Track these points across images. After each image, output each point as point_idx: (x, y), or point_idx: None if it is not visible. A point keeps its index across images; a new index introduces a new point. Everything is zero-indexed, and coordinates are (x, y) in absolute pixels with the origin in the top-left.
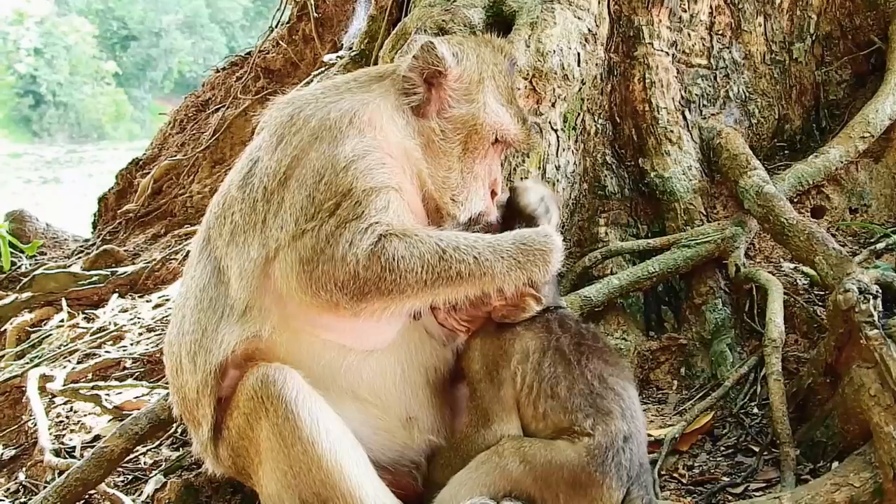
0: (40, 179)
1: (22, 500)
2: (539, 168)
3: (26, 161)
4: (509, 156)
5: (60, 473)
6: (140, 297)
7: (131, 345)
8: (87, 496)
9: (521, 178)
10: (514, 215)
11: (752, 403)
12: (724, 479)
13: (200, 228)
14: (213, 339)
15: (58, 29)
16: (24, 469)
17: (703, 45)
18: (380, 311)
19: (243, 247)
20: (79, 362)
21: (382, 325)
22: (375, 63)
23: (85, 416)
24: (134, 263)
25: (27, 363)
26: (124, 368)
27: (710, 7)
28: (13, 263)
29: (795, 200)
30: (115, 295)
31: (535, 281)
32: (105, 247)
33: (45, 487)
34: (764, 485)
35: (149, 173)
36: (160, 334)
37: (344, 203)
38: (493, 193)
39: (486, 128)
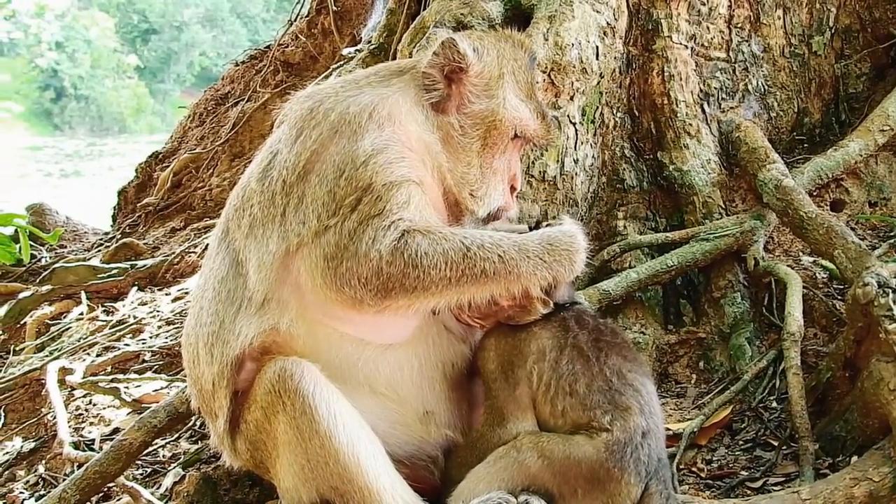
0: (61, 172)
1: (41, 492)
2: (557, 162)
3: (47, 154)
4: (527, 150)
5: (79, 466)
6: (159, 290)
7: (150, 338)
8: (105, 489)
9: (540, 172)
10: None
11: (771, 397)
12: (743, 473)
13: (219, 221)
14: (231, 331)
15: (79, 22)
16: (43, 462)
17: (722, 38)
18: (404, 307)
19: (262, 239)
20: (98, 355)
21: (401, 319)
22: (394, 56)
23: (104, 408)
24: (153, 256)
25: (47, 356)
26: (143, 361)
27: (729, 0)
28: (33, 257)
29: (815, 194)
30: (135, 288)
31: (559, 280)
32: (124, 240)
33: (64, 480)
34: (783, 479)
35: (168, 167)
36: (179, 327)
37: (365, 198)
38: (513, 188)
39: (506, 123)
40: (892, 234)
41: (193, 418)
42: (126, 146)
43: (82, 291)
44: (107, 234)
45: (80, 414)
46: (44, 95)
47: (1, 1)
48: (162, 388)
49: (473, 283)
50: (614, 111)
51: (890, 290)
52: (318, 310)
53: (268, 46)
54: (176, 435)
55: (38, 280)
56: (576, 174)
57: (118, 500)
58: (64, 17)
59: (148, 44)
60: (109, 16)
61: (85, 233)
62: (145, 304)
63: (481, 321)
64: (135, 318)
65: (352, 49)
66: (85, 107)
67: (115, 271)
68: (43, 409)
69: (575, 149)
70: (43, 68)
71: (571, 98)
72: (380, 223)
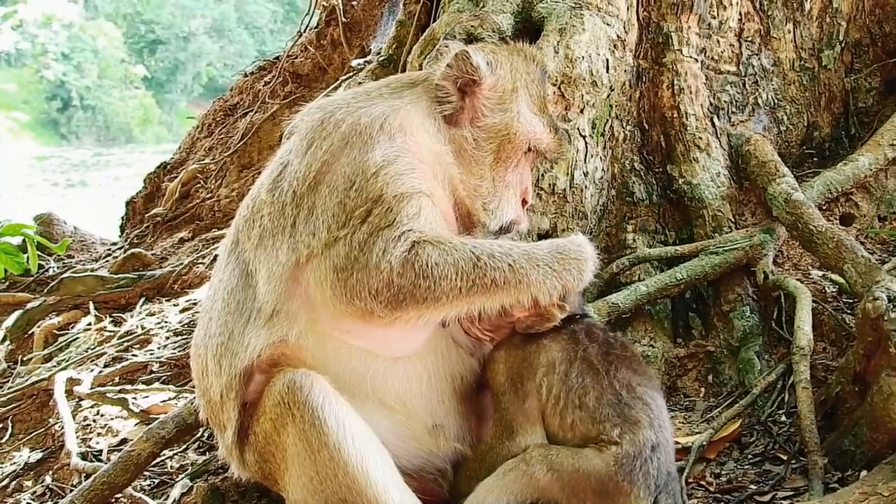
0: (67, 182)
1: (48, 503)
2: (567, 174)
3: (53, 164)
4: (538, 162)
5: (87, 477)
6: (167, 300)
7: (158, 348)
8: (113, 500)
9: (550, 185)
10: None
11: (780, 411)
12: (752, 487)
13: (229, 231)
14: (240, 343)
15: (86, 33)
16: (50, 472)
17: (733, 51)
18: (414, 319)
19: (272, 250)
20: (106, 366)
21: (410, 332)
22: (403, 68)
23: (112, 419)
24: (161, 267)
25: (54, 366)
26: (151, 372)
27: (740, 14)
28: (41, 267)
29: (824, 208)
30: (143, 299)
31: (568, 290)
32: (132, 250)
33: (71, 491)
34: (792, 493)
35: (177, 177)
36: (187, 338)
37: (375, 209)
38: (524, 202)
39: (520, 137)
40: None
41: (201, 429)
42: (132, 156)
43: (90, 302)
44: (114, 244)
45: (88, 425)
46: (50, 105)
47: (7, 11)
48: (170, 399)
49: (484, 293)
50: (624, 124)
51: None
52: (327, 322)
53: (277, 57)
54: (184, 446)
55: (45, 290)
56: (585, 187)
57: None
58: (71, 28)
59: (155, 54)
60: (117, 26)
61: (93, 243)
62: (153, 314)
63: (492, 334)
64: (143, 328)
65: (361, 60)
66: (91, 117)
67: (123, 282)
68: (50, 420)
69: (585, 161)
70: (50, 79)
71: (581, 111)
72: (390, 234)
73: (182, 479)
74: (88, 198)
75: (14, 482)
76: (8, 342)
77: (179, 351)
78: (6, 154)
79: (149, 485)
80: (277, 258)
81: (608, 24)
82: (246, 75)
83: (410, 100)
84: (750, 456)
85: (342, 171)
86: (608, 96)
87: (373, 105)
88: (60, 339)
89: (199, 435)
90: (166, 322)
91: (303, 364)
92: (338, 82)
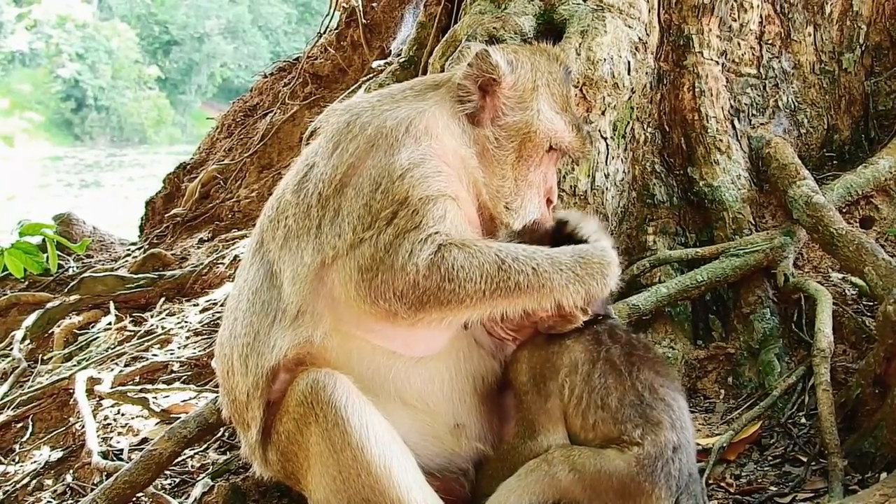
0: (81, 183)
1: (69, 502)
2: (588, 176)
3: (67, 164)
4: (561, 164)
5: (108, 476)
6: (187, 300)
7: (178, 348)
8: (134, 498)
9: (571, 187)
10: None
11: (800, 413)
12: (772, 488)
13: (254, 231)
14: (265, 343)
15: (100, 33)
16: (71, 471)
17: (753, 54)
18: (437, 320)
19: (297, 251)
20: (126, 365)
21: (433, 333)
22: (424, 70)
23: (132, 418)
24: (181, 267)
25: (75, 365)
26: (171, 372)
27: (760, 17)
28: (60, 266)
29: (844, 211)
30: (163, 299)
31: (592, 295)
32: (152, 250)
33: (92, 490)
34: (812, 495)
35: (196, 178)
36: (207, 338)
37: (401, 212)
38: (549, 202)
39: (541, 135)
40: None
41: (223, 429)
42: (146, 157)
43: (110, 301)
44: (133, 244)
45: (109, 424)
46: (64, 106)
47: (22, 11)
48: (190, 399)
49: (507, 297)
50: (645, 126)
51: None
52: (351, 322)
53: (296, 58)
54: (205, 445)
55: (66, 290)
56: (606, 189)
57: None
58: (85, 28)
59: (169, 55)
60: (131, 27)
61: (112, 243)
62: (173, 314)
63: (514, 334)
64: (163, 328)
65: (381, 62)
66: (105, 117)
67: (143, 282)
68: (71, 419)
69: (606, 163)
70: (64, 79)
71: (603, 113)
72: (416, 236)
73: (203, 478)
74: (102, 198)
75: (35, 481)
76: (28, 341)
77: (200, 351)
78: (20, 154)
79: (170, 484)
80: (302, 259)
81: (630, 27)
82: (265, 76)
83: (435, 102)
84: (770, 457)
85: (368, 174)
86: (629, 98)
87: (398, 108)
88: (81, 338)
89: (220, 434)
90: (186, 322)
91: (327, 364)
92: (358, 83)
